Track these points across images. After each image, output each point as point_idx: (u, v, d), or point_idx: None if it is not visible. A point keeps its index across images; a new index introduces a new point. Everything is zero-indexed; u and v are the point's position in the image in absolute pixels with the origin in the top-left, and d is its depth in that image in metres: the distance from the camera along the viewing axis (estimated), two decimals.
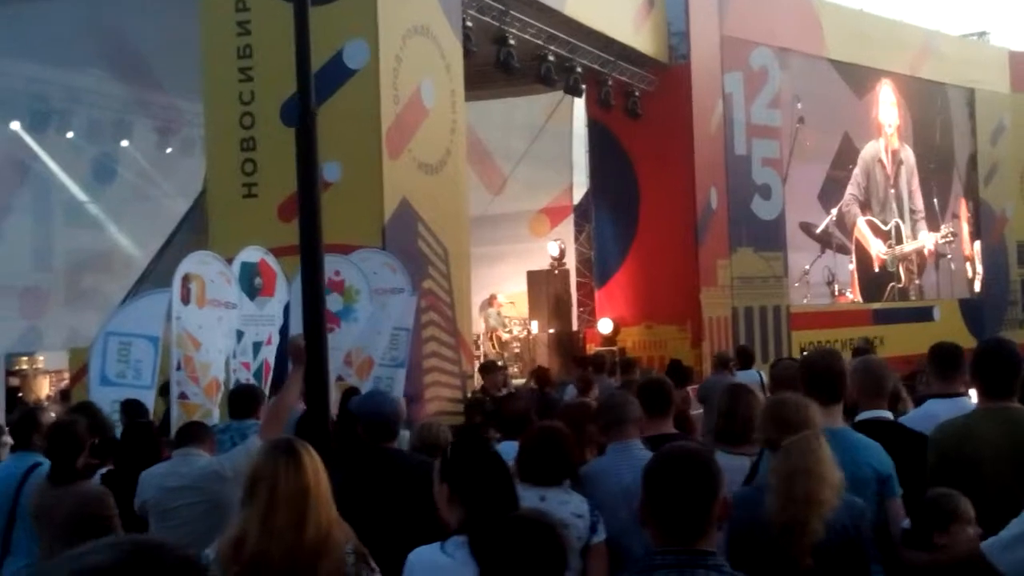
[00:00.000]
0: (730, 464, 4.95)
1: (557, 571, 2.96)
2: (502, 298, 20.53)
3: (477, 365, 18.69)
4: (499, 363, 15.35)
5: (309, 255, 5.35)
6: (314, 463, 3.48)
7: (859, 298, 25.92)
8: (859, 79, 25.94)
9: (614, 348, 20.22)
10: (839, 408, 4.73)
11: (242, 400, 6.98)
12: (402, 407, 9.51)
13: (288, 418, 5.46)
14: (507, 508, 3.40)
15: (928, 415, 5.28)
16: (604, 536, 4.49)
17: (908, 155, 27.46)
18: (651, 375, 8.74)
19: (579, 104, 21.54)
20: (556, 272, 20.90)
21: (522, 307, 20.69)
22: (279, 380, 8.62)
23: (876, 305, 26.05)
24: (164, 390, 9.57)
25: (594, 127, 21.58)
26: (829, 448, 3.87)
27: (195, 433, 5.77)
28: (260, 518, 3.37)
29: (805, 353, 9.02)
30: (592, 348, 19.64)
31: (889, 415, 5.36)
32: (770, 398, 4.73)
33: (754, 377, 11.65)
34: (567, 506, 4.32)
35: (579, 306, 22.14)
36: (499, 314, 20.24)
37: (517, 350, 20.10)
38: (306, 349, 5.18)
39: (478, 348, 19.98)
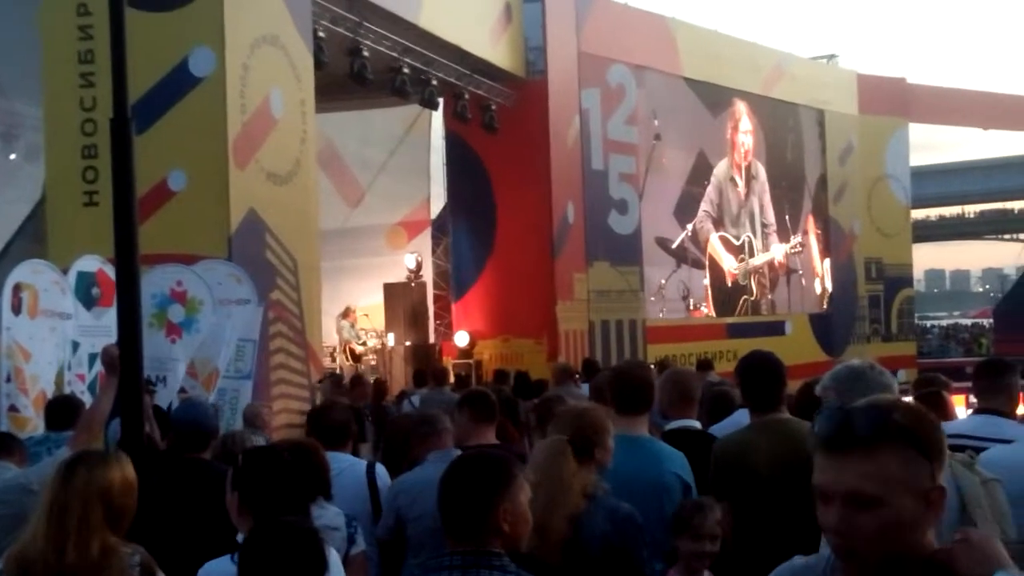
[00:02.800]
0: None
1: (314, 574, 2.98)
2: (358, 310, 20.44)
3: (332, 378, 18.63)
4: (367, 376, 15.19)
5: (124, 263, 5.27)
6: (89, 480, 3.42)
7: (713, 312, 26.51)
8: (714, 98, 26.58)
9: (470, 361, 20.32)
10: (645, 417, 4.86)
11: (59, 411, 6.82)
12: (261, 416, 9.41)
13: (100, 428, 5.37)
14: (293, 514, 3.41)
15: (735, 423, 5.47)
16: (363, 547, 4.55)
17: (760, 171, 28.21)
18: (477, 387, 8.84)
19: (437, 117, 21.60)
20: (413, 285, 20.91)
21: (378, 319, 20.62)
22: None
23: (729, 319, 26.66)
24: None
25: (451, 140, 21.66)
26: (570, 455, 3.92)
27: (2, 445, 5.62)
28: (34, 529, 3.36)
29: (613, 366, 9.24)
30: (448, 361, 19.69)
31: (697, 424, 5.52)
32: (559, 410, 4.82)
33: None
34: (320, 520, 4.27)
35: (436, 319, 22.17)
36: (353, 326, 20.13)
37: (373, 362, 20.01)
38: (120, 358, 5.10)
39: (333, 360, 19.86)
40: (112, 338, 10.15)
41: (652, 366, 15.21)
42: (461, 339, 20.99)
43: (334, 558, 3.56)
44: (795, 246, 29.08)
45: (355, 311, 20.33)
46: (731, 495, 4.53)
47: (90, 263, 10.35)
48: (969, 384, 5.54)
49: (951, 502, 3.47)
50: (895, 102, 31.81)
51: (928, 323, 72.25)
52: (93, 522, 3.41)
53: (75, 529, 3.36)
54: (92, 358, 10.02)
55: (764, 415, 4.73)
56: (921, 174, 47.62)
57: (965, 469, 3.54)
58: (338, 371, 19.44)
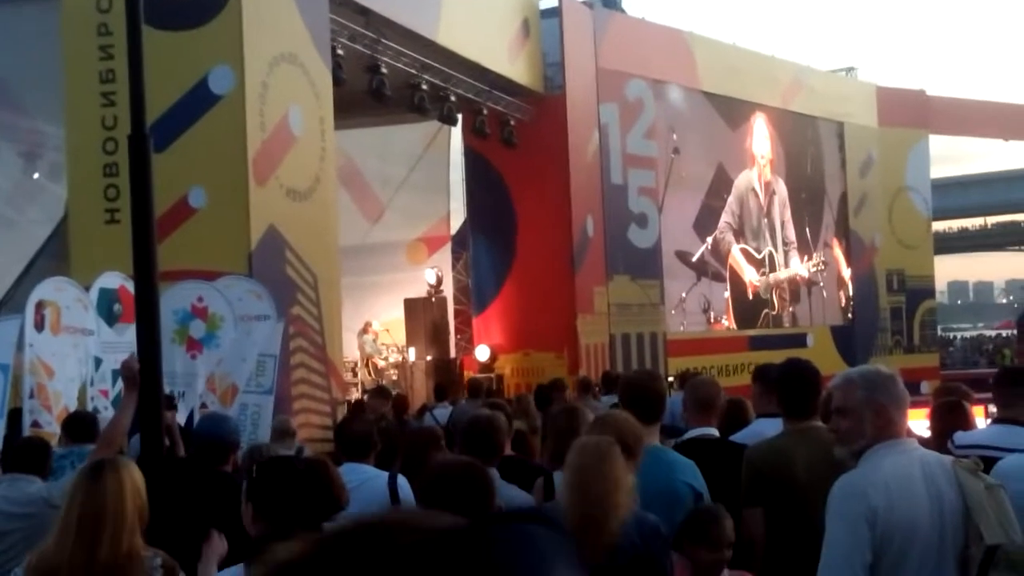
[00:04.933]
0: None
1: None
2: (377, 325, 20.48)
3: (356, 392, 18.69)
4: (391, 390, 15.17)
5: (143, 279, 5.32)
6: (117, 482, 3.49)
7: (734, 325, 26.46)
8: (732, 111, 26.58)
9: (491, 375, 20.34)
10: (657, 427, 4.87)
11: (77, 425, 6.91)
12: (291, 427, 9.44)
13: (121, 442, 5.42)
14: (306, 527, 3.43)
15: (755, 434, 5.47)
16: None
17: (780, 187, 28.19)
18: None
19: (456, 133, 21.66)
20: (433, 300, 20.94)
21: (398, 334, 20.67)
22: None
23: (751, 332, 26.60)
24: (15, 416, 9.36)
25: (471, 156, 21.76)
26: (621, 455, 3.95)
27: (31, 459, 5.68)
28: (57, 535, 3.42)
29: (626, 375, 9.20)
30: (469, 375, 19.70)
31: (715, 432, 5.53)
32: (598, 416, 4.84)
33: None
34: None
35: (457, 333, 22.19)
36: (374, 341, 20.19)
37: (395, 377, 20.04)
38: (139, 373, 5.14)
39: (355, 375, 19.91)
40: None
41: (671, 379, 15.29)
42: (482, 353, 21.01)
43: None
44: (818, 264, 29.01)
45: (372, 326, 20.38)
46: (766, 501, 4.53)
47: (112, 280, 10.44)
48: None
49: (957, 506, 3.48)
50: (915, 114, 31.73)
51: (951, 335, 71.82)
52: (127, 522, 3.49)
53: (109, 529, 3.42)
54: (115, 374, 10.08)
55: (800, 422, 4.74)
56: (942, 186, 47.48)
57: (969, 475, 3.55)
58: (359, 386, 19.53)
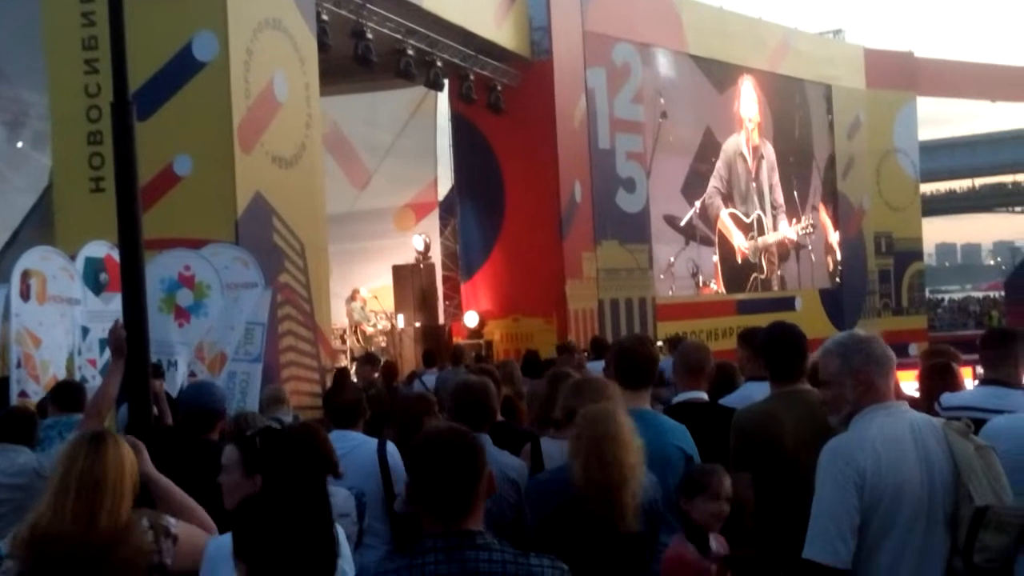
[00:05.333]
0: (551, 449, 5.10)
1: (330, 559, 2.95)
2: (365, 292, 20.46)
3: (345, 359, 18.70)
4: (379, 357, 15.15)
5: (128, 247, 5.29)
6: (117, 454, 3.51)
7: (723, 289, 26.51)
8: (720, 75, 26.50)
9: (480, 341, 20.35)
10: (647, 392, 4.87)
11: (65, 394, 6.89)
12: (283, 395, 9.41)
13: (108, 412, 5.40)
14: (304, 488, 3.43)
15: (744, 398, 5.46)
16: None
17: (768, 150, 28.16)
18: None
19: (443, 98, 21.56)
20: (422, 266, 20.90)
21: (387, 301, 20.64)
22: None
23: (740, 296, 26.67)
24: (2, 385, 9.33)
25: (458, 121, 21.66)
26: (627, 418, 3.97)
27: (19, 428, 5.66)
28: (51, 503, 3.41)
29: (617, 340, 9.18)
30: (457, 341, 19.70)
31: (704, 396, 5.53)
32: (577, 382, 4.83)
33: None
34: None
35: (445, 300, 22.18)
36: (363, 308, 20.18)
37: (383, 344, 20.05)
38: (126, 341, 5.11)
39: (344, 343, 19.91)
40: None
41: (660, 343, 15.29)
42: (471, 319, 21.01)
43: (344, 544, 3.57)
44: (806, 227, 29.03)
45: (360, 293, 20.37)
46: (754, 465, 4.53)
47: (98, 249, 10.38)
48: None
49: (947, 468, 3.48)
50: (903, 76, 31.69)
51: (940, 296, 72.08)
52: (126, 492, 3.50)
53: (109, 498, 3.43)
54: (102, 343, 10.04)
55: (787, 386, 4.73)
56: (930, 148, 47.58)
57: (959, 437, 3.55)
58: (348, 353, 19.54)
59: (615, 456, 3.92)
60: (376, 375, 12.69)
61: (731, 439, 4.70)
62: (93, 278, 10.34)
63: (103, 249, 10.36)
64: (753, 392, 5.43)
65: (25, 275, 9.57)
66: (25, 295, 9.53)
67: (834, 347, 3.73)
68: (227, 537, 3.56)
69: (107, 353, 10.00)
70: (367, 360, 13.26)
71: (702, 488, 4.32)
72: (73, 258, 10.22)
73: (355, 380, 13.49)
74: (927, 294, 38.39)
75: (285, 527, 2.78)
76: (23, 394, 9.15)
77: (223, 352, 11.46)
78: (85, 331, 10.17)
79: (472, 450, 2.89)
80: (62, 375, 9.49)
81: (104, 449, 3.51)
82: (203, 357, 11.31)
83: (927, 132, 39.64)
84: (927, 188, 43.29)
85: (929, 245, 61.29)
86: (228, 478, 3.69)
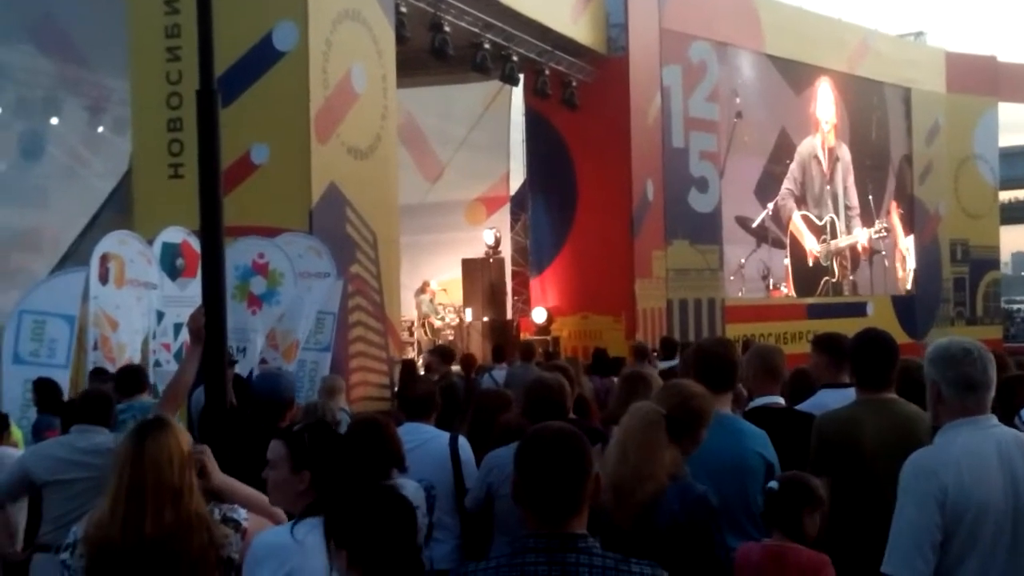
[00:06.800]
0: None
1: (412, 540, 2.97)
2: (435, 285, 20.51)
3: (412, 352, 18.77)
4: (452, 350, 15.15)
5: (208, 235, 5.33)
6: (160, 451, 3.43)
7: (793, 292, 26.20)
8: (797, 75, 26.19)
9: (548, 338, 20.32)
10: (728, 396, 4.79)
11: (127, 379, 7.04)
12: (340, 387, 9.46)
13: (184, 397, 5.46)
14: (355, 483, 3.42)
15: (819, 405, 5.36)
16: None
17: (844, 152, 27.78)
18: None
19: (517, 93, 21.54)
20: (491, 260, 20.91)
21: (456, 295, 20.68)
22: None
23: (810, 300, 26.33)
24: (97, 373, 9.36)
25: (531, 116, 21.62)
26: (663, 429, 3.92)
27: (92, 410, 5.73)
28: (111, 503, 3.39)
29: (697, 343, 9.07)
30: (526, 337, 19.69)
31: (781, 400, 5.45)
32: (667, 382, 4.77)
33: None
34: None
35: (514, 295, 22.18)
36: (431, 301, 20.22)
37: (451, 337, 20.08)
38: (204, 329, 5.14)
39: (412, 335, 19.97)
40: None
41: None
42: (539, 315, 20.99)
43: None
44: (880, 231, 28.60)
45: (430, 285, 20.42)
46: (833, 471, 4.46)
47: (175, 235, 10.53)
48: None
49: None
50: (985, 81, 31.06)
51: (1015, 307, 70.66)
52: (169, 491, 3.42)
53: (152, 503, 3.38)
54: (177, 328, 10.21)
55: (874, 394, 4.65)
56: (1011, 155, 46.50)
57: None
58: (415, 345, 19.61)
59: (636, 460, 3.88)
60: (447, 369, 12.67)
61: (812, 444, 4.62)
62: (170, 263, 10.49)
63: (180, 235, 10.51)
64: (828, 400, 5.30)
65: (104, 258, 9.74)
66: (104, 278, 9.69)
67: (928, 355, 3.65)
68: (278, 531, 3.56)
69: (181, 337, 10.21)
70: (439, 353, 13.26)
71: (820, 503, 4.23)
72: (151, 243, 10.37)
73: (424, 372, 13.54)
74: (1002, 304, 37.65)
75: (386, 513, 2.85)
76: (99, 373, 9.29)
77: (297, 340, 11.58)
78: (160, 315, 10.32)
79: (581, 451, 2.83)
80: (137, 358, 9.64)
81: (142, 447, 3.43)
82: (276, 345, 11.44)
83: (1008, 138, 38.81)
84: (1005, 195, 42.39)
85: (1005, 254, 60.13)
86: (275, 474, 3.63)
